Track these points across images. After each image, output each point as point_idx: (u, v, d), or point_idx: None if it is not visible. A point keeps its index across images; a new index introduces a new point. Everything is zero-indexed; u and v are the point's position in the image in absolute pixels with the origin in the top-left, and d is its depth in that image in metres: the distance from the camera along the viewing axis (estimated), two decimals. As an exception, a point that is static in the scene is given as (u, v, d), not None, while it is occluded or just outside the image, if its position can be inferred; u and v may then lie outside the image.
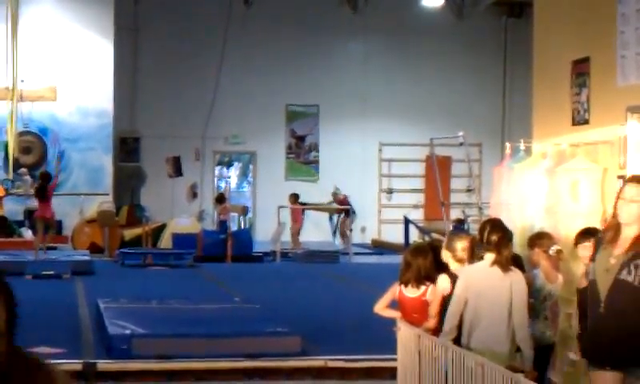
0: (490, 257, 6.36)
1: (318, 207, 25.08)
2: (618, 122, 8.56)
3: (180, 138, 25.67)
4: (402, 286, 7.22)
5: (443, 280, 6.83)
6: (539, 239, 7.43)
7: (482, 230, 6.80)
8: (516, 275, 6.35)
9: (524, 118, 16.63)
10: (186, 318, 11.07)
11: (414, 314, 7.14)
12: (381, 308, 7.52)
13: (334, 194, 25.01)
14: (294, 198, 23.95)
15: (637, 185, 5.34)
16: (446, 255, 6.94)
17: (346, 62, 26.92)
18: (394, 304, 7.46)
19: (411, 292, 7.17)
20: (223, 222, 22.13)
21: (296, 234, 23.67)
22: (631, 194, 5.27)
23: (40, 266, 17.22)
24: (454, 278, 6.73)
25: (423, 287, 7.12)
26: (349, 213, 24.14)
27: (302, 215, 24.28)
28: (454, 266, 6.87)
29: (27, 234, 21.66)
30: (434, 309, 6.87)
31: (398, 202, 26.77)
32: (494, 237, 6.38)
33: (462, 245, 6.90)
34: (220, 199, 23.02)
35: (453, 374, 6.14)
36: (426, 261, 7.13)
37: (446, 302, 6.71)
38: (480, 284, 6.31)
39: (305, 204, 24.43)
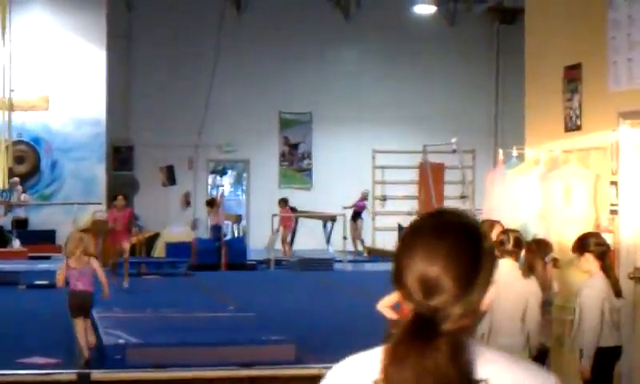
0: (505, 263, 6.38)
1: (310, 214, 25.07)
2: (610, 127, 8.56)
3: (173, 147, 25.64)
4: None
5: None
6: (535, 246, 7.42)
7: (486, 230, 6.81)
8: (532, 282, 6.39)
9: (517, 125, 16.63)
10: (181, 326, 11.06)
11: None
12: (384, 305, 7.48)
13: (363, 194, 25.54)
14: (283, 202, 23.86)
15: None
16: None
17: (339, 69, 26.93)
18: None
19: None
20: (215, 227, 22.05)
21: (286, 240, 23.58)
22: None
23: (33, 276, 17.18)
24: None
25: None
26: (356, 219, 24.47)
27: (294, 221, 24.22)
28: None
29: (15, 243, 21.66)
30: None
31: (391, 209, 26.76)
32: (510, 243, 6.42)
33: None
34: (211, 203, 22.94)
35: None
36: None
37: None
38: (498, 290, 6.34)
39: (296, 210, 24.39)
